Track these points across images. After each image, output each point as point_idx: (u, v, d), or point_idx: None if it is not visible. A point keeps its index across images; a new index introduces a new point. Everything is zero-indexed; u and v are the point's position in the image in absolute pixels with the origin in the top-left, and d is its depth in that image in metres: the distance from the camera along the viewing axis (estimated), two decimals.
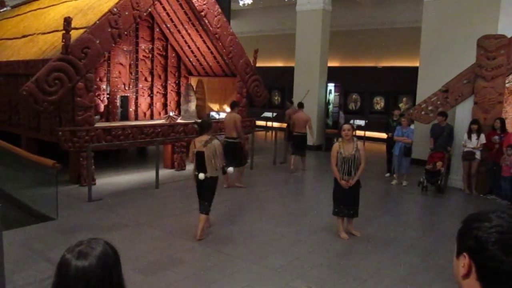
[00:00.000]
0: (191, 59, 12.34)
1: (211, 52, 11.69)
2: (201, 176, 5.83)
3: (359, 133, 13.95)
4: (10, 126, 10.54)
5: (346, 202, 6.06)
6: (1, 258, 3.85)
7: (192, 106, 11.86)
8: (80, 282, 1.33)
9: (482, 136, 8.79)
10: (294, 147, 10.75)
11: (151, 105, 11.84)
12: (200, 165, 5.86)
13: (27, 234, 5.87)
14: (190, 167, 10.48)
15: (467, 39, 9.98)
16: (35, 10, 12.45)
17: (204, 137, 5.97)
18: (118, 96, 10.91)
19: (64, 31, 7.81)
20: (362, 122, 15.39)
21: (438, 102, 9.81)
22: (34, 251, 5.34)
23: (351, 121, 13.61)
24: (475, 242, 1.20)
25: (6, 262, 3.96)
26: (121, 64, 10.94)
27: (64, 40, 7.83)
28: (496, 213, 1.22)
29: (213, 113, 12.36)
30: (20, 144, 9.65)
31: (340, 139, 6.06)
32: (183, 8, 10.73)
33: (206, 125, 6.18)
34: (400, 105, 15.11)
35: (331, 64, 15.16)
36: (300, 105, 11.35)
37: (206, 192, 5.94)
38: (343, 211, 6.10)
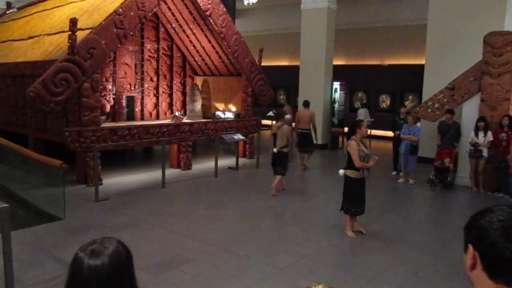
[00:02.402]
0: (196, 59, 12.36)
1: (216, 52, 11.70)
2: (275, 150, 8.25)
3: None
4: (17, 127, 10.61)
5: (363, 200, 6.14)
6: (9, 257, 3.87)
7: (198, 105, 11.88)
8: (92, 280, 1.34)
9: (489, 133, 8.73)
10: (301, 144, 10.96)
11: (157, 105, 11.87)
12: (274, 142, 8.30)
13: (35, 234, 5.91)
14: (195, 166, 10.57)
15: (474, 36, 9.92)
16: (41, 11, 12.51)
17: (278, 123, 8.36)
18: (124, 96, 10.95)
19: (70, 32, 7.84)
20: None
21: (445, 100, 9.76)
22: (41, 251, 5.37)
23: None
24: (478, 231, 1.24)
25: (14, 261, 3.99)
26: (127, 64, 10.98)
27: (70, 41, 7.87)
28: (499, 207, 1.26)
29: (218, 113, 12.38)
30: (27, 144, 9.71)
31: (353, 137, 6.01)
32: (188, 8, 10.74)
33: (280, 115, 8.84)
34: (406, 103, 15.04)
35: (336, 62, 15.12)
36: (306, 104, 11.29)
37: (279, 161, 8.27)
38: (362, 209, 6.15)
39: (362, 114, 14.50)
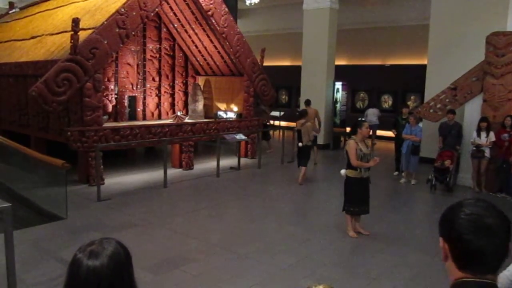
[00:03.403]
0: (198, 59, 12.36)
1: (218, 52, 11.71)
2: (300, 144, 9.11)
3: None
4: (20, 126, 10.63)
5: (365, 200, 6.11)
6: (11, 257, 3.88)
7: (200, 105, 11.89)
8: (91, 281, 1.33)
9: (492, 133, 8.71)
10: None
11: (158, 105, 11.88)
12: (299, 138, 9.15)
13: (37, 234, 5.92)
14: (197, 166, 10.57)
15: (476, 36, 9.89)
16: (43, 11, 12.54)
17: (302, 120, 9.18)
18: (126, 96, 10.97)
19: (72, 32, 7.86)
20: None
21: (447, 100, 9.74)
22: (44, 251, 5.39)
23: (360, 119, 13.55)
24: (447, 225, 1.32)
25: (16, 261, 3.99)
26: (129, 64, 11.00)
27: (72, 41, 7.88)
28: (469, 201, 1.33)
29: (220, 113, 12.38)
30: (30, 144, 9.73)
31: (353, 137, 6.00)
32: (190, 8, 10.75)
33: (304, 113, 9.54)
34: (408, 103, 15.03)
35: (338, 62, 15.11)
36: (308, 102, 11.65)
37: (303, 154, 9.14)
38: (362, 209, 6.13)
39: (376, 113, 14.47)
